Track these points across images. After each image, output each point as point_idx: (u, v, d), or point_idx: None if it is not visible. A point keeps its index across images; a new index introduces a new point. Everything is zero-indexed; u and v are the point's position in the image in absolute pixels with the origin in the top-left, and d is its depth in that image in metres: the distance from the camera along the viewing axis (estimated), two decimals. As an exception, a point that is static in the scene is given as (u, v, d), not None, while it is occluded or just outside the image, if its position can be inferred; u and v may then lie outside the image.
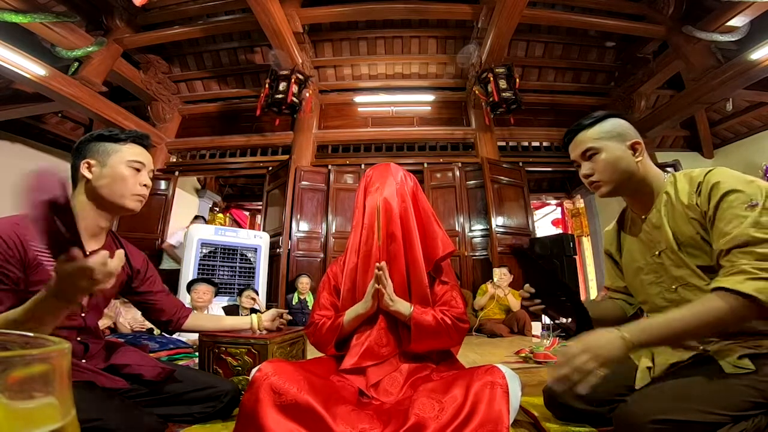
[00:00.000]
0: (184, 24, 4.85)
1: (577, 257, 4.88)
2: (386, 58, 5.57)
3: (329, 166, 5.24)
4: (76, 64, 4.34)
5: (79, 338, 0.98)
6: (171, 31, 4.86)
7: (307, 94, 4.89)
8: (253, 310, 3.32)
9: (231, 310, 3.47)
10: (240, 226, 7.87)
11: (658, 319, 0.80)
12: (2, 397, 0.21)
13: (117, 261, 0.70)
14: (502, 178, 5.05)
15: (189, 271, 3.96)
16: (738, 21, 3.93)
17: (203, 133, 5.81)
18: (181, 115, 5.94)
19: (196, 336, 1.86)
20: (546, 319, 3.22)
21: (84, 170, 0.97)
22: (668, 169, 3.15)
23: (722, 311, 0.73)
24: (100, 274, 0.68)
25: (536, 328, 3.83)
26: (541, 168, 5.67)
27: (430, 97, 5.76)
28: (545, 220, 8.53)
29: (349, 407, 0.88)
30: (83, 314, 0.98)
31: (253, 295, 3.47)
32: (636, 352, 0.82)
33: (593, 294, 6.61)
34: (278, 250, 4.67)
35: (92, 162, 0.97)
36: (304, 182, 5.00)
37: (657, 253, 0.93)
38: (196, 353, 1.71)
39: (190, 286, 3.03)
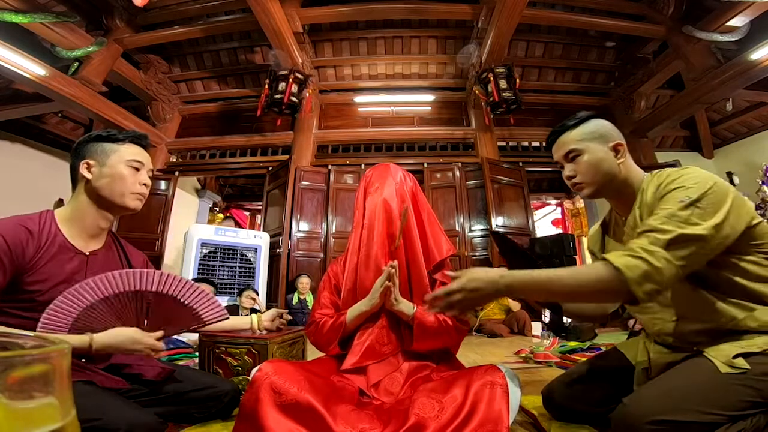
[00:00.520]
0: (184, 24, 4.85)
1: (577, 257, 4.88)
2: (386, 58, 5.57)
3: (329, 166, 5.24)
4: (76, 64, 4.34)
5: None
6: (171, 31, 4.86)
7: (307, 94, 4.90)
8: (253, 310, 3.32)
9: (231, 310, 3.45)
10: (240, 226, 7.88)
11: (540, 271, 0.81)
12: (2, 397, 0.21)
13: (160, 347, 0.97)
14: (502, 178, 5.05)
15: (189, 271, 3.97)
16: (738, 21, 3.93)
17: (203, 133, 5.81)
18: (181, 115, 5.94)
19: (196, 336, 1.86)
20: (546, 319, 3.23)
21: (83, 170, 0.97)
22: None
23: (596, 278, 0.76)
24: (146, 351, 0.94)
25: (536, 328, 3.83)
26: (541, 168, 5.67)
27: (430, 97, 5.76)
28: (545, 220, 8.53)
29: (349, 407, 0.88)
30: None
31: (253, 295, 3.47)
32: (509, 295, 0.83)
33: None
34: (278, 250, 4.67)
35: (91, 162, 0.98)
36: (304, 182, 5.00)
37: None
38: (196, 353, 1.71)
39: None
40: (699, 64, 4.38)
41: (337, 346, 1.13)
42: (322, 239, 4.90)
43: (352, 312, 1.11)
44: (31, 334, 0.24)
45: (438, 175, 5.22)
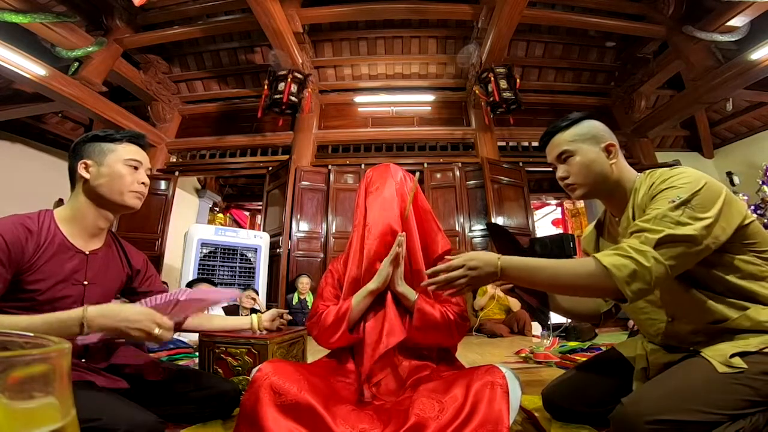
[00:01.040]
0: (184, 24, 4.85)
1: (577, 257, 4.88)
2: (386, 58, 5.57)
3: (329, 166, 5.24)
4: (76, 64, 4.34)
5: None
6: (171, 31, 4.86)
7: (306, 94, 4.90)
8: (254, 310, 3.32)
9: (231, 310, 3.47)
10: (240, 226, 7.88)
11: (536, 260, 0.84)
12: (2, 397, 0.21)
13: (168, 335, 0.87)
14: (502, 178, 5.05)
15: (189, 271, 3.97)
16: (738, 21, 3.93)
17: (203, 133, 5.81)
18: (181, 115, 5.94)
19: (196, 336, 1.86)
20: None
21: (82, 171, 0.97)
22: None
23: (586, 274, 0.78)
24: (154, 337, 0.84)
25: (536, 328, 3.84)
26: (541, 168, 5.67)
27: (430, 97, 5.76)
28: (545, 220, 8.53)
29: (349, 407, 0.88)
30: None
31: (254, 295, 3.48)
32: (504, 278, 0.86)
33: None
34: (278, 250, 4.67)
35: (89, 162, 0.98)
36: (304, 182, 5.00)
37: None
38: (196, 353, 1.71)
39: (189, 287, 3.03)
40: (699, 64, 4.38)
41: (343, 335, 1.09)
42: (322, 239, 4.90)
43: (359, 295, 1.09)
44: (31, 334, 0.24)
45: (438, 175, 5.22)
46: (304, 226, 4.88)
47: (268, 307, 2.99)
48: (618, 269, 0.74)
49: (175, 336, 2.24)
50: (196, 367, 1.45)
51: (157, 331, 0.84)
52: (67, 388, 0.24)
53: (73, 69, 4.32)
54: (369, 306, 1.11)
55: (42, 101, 4.40)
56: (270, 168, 5.38)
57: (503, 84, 4.71)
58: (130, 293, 1.17)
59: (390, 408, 0.93)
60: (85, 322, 0.80)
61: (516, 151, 5.64)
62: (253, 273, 4.35)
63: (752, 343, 0.76)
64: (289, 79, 4.71)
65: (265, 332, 1.36)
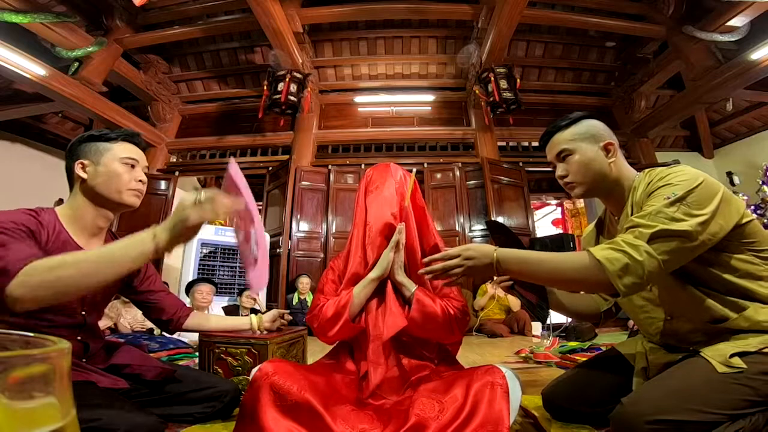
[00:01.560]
0: (184, 24, 4.86)
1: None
2: (386, 58, 5.58)
3: (329, 166, 5.24)
4: (76, 64, 4.34)
5: (79, 337, 0.98)
6: (171, 31, 4.86)
7: (306, 93, 4.90)
8: (254, 310, 3.32)
9: (231, 310, 3.48)
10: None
11: (532, 252, 0.87)
12: (2, 397, 0.21)
13: (228, 204, 0.83)
14: (502, 178, 5.05)
15: (189, 271, 3.97)
16: (738, 21, 3.93)
17: (203, 133, 5.81)
18: (181, 115, 5.94)
19: (196, 336, 1.86)
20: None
21: (79, 171, 0.98)
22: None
23: (580, 266, 0.80)
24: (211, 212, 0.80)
25: (536, 328, 3.84)
26: (541, 168, 5.67)
27: (430, 97, 5.76)
28: (545, 220, 8.53)
29: (349, 407, 0.88)
30: (83, 312, 0.98)
31: (254, 295, 3.47)
32: (500, 270, 0.86)
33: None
34: (278, 250, 4.67)
35: (86, 162, 0.98)
36: (304, 182, 5.00)
37: None
38: (196, 353, 1.71)
39: (190, 287, 3.02)
40: (699, 64, 4.38)
41: (345, 325, 1.07)
42: (322, 239, 4.90)
43: (360, 285, 1.09)
44: (31, 334, 0.24)
45: (438, 175, 5.22)
46: (304, 226, 4.88)
47: (269, 307, 2.99)
48: (610, 262, 0.75)
49: (175, 336, 2.24)
50: (196, 367, 1.45)
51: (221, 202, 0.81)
52: (67, 388, 0.24)
53: (73, 69, 4.32)
54: (370, 296, 1.10)
55: (42, 101, 4.40)
56: (270, 168, 5.38)
57: (503, 84, 4.71)
58: (130, 293, 1.17)
59: (390, 408, 0.93)
60: (156, 233, 0.79)
61: (516, 151, 5.64)
62: (253, 273, 4.35)
63: (752, 343, 0.77)
64: (287, 79, 4.71)
65: (265, 332, 1.36)
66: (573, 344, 2.26)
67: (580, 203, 7.33)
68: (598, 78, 5.93)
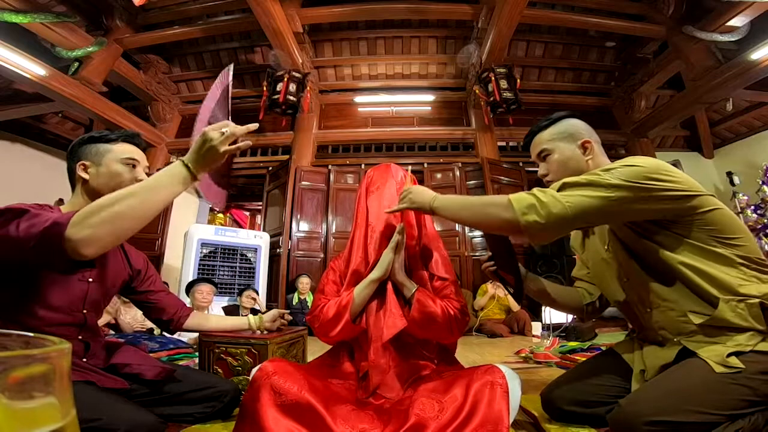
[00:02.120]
0: (184, 24, 4.86)
1: (577, 257, 4.88)
2: (386, 58, 5.58)
3: (329, 166, 5.24)
4: (76, 64, 4.34)
5: (80, 337, 0.98)
6: (171, 31, 4.86)
7: (306, 93, 4.90)
8: (254, 311, 3.32)
9: (231, 310, 3.47)
10: (240, 226, 7.88)
11: (462, 197, 1.00)
12: (2, 397, 0.21)
13: (244, 129, 0.93)
14: (502, 178, 5.05)
15: (189, 271, 3.97)
16: (738, 21, 3.93)
17: (203, 133, 5.80)
18: (181, 115, 5.94)
19: (196, 336, 1.86)
20: (546, 319, 3.23)
21: (80, 172, 0.98)
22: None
23: (497, 206, 0.87)
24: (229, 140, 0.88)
25: (536, 328, 3.83)
26: (541, 168, 5.67)
27: (430, 97, 5.76)
28: (545, 220, 8.52)
29: (349, 407, 0.88)
30: (84, 311, 0.98)
31: (254, 295, 3.47)
32: (436, 209, 0.99)
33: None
34: (278, 250, 4.67)
35: (87, 163, 0.99)
36: (304, 182, 5.00)
37: (606, 247, 1.01)
38: (196, 353, 1.71)
39: (190, 287, 3.02)
40: (699, 64, 4.38)
41: (346, 326, 1.07)
42: (322, 239, 4.90)
43: (361, 285, 1.09)
44: (31, 334, 0.24)
45: (438, 175, 5.22)
46: (304, 226, 4.88)
47: (268, 307, 2.99)
48: (518, 201, 0.84)
49: (175, 336, 2.24)
50: (196, 367, 1.45)
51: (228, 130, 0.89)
52: (67, 388, 0.24)
53: (73, 69, 4.32)
54: (370, 297, 1.10)
55: (42, 101, 4.40)
56: (270, 168, 5.38)
57: (503, 84, 4.71)
58: (130, 293, 1.17)
59: (390, 408, 0.93)
60: (184, 161, 0.86)
61: (516, 151, 5.64)
62: (253, 273, 4.35)
63: (742, 341, 0.77)
64: (286, 79, 4.71)
65: (265, 332, 1.36)
66: (573, 344, 2.26)
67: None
68: (598, 78, 5.93)
